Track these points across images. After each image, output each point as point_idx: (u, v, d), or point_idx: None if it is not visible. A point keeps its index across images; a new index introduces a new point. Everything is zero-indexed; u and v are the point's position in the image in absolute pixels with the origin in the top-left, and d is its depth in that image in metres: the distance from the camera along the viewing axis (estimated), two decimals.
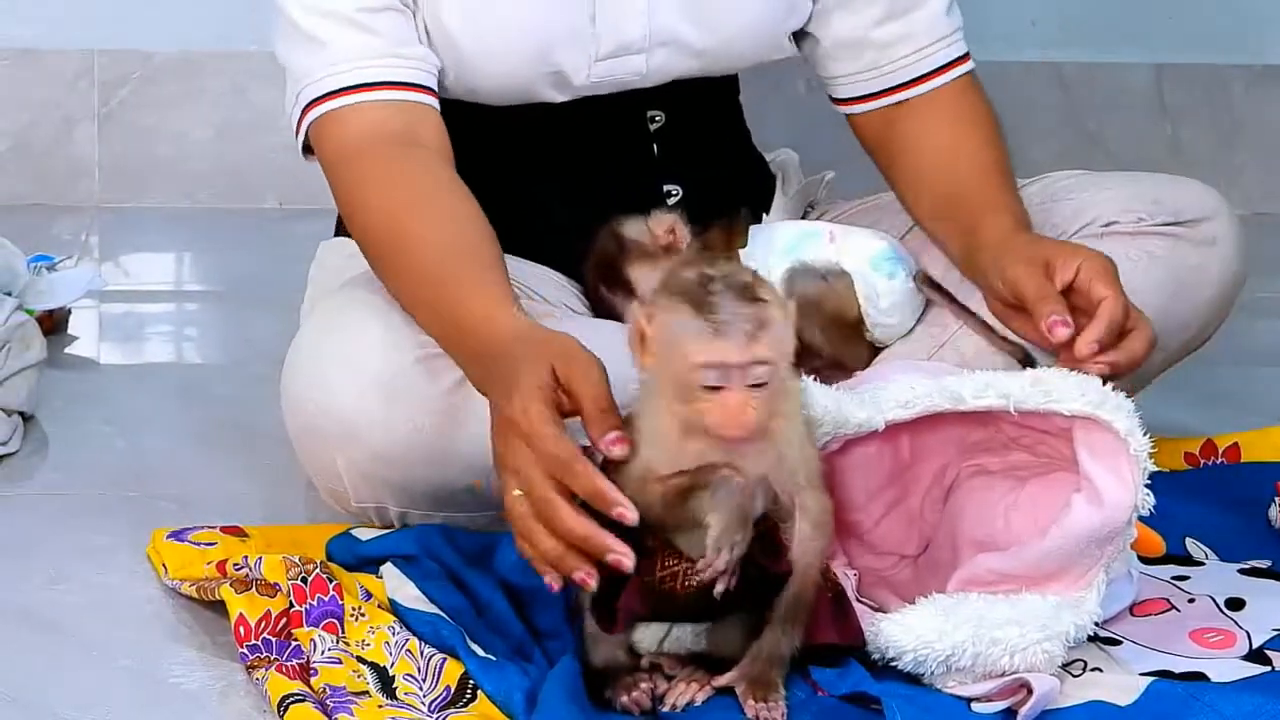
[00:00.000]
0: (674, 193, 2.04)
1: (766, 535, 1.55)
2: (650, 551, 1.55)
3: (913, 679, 1.59)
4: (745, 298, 1.51)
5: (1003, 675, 1.56)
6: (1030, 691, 1.54)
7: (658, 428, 1.54)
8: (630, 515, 1.52)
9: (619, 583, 1.54)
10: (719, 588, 1.52)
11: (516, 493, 1.56)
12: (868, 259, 1.94)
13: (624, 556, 1.51)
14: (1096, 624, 1.63)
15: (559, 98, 1.97)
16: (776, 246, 1.95)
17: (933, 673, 1.57)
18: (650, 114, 2.03)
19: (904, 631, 1.57)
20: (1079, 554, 1.60)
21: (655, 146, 2.04)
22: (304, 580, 1.69)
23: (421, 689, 1.60)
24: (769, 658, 1.55)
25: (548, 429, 1.55)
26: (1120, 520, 1.59)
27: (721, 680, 1.57)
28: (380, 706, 1.57)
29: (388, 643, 1.64)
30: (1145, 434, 1.60)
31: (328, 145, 1.88)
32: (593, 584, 1.52)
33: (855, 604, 1.65)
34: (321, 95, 1.87)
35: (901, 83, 2.02)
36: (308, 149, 1.92)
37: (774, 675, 1.55)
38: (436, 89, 1.91)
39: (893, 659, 1.57)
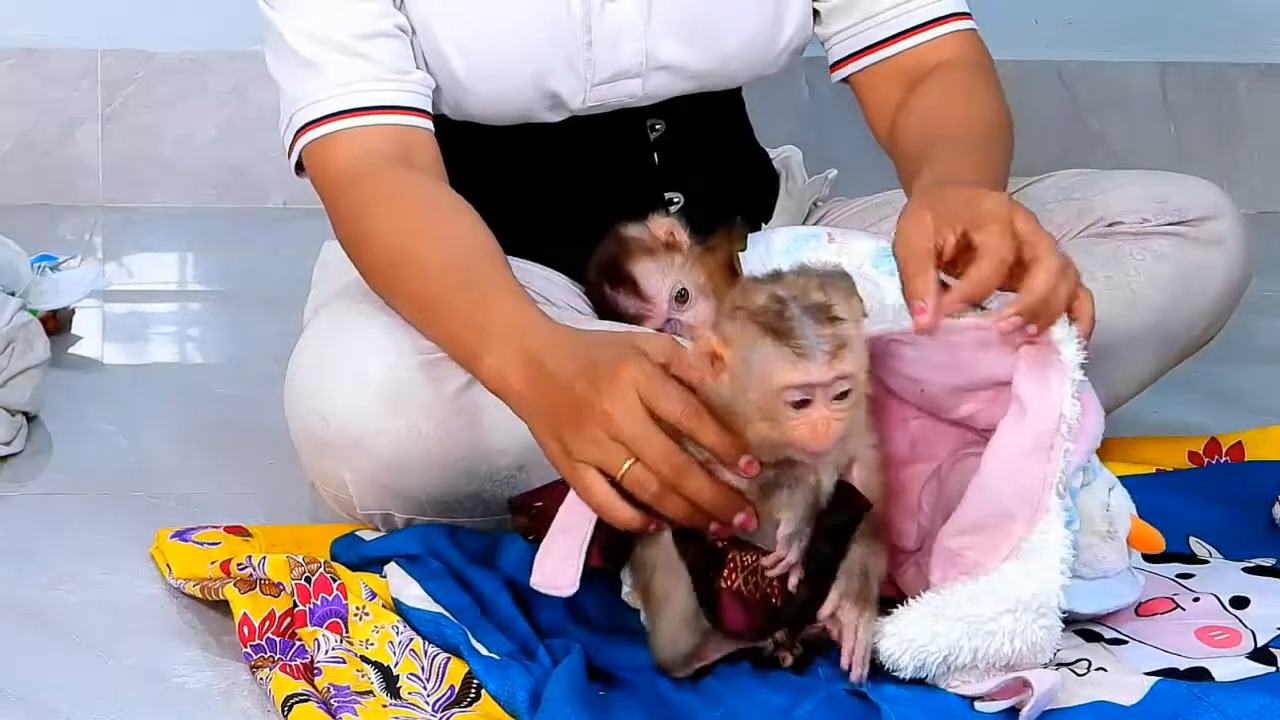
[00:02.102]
0: (675, 200, 2.04)
1: (839, 489, 1.59)
2: (721, 554, 1.58)
3: (918, 680, 1.59)
4: (822, 319, 1.53)
5: (1008, 666, 1.55)
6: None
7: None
8: (755, 467, 1.54)
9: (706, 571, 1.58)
10: (792, 580, 1.56)
11: (629, 463, 1.54)
12: (869, 257, 1.95)
13: (752, 516, 1.55)
14: (1099, 618, 1.62)
15: (555, 119, 1.97)
16: (775, 249, 1.96)
17: (935, 674, 1.57)
18: (650, 122, 2.03)
19: (897, 641, 1.56)
20: (1021, 478, 1.57)
21: (656, 155, 2.04)
22: (308, 580, 1.69)
23: (425, 688, 1.60)
24: (863, 571, 1.58)
25: (670, 386, 1.55)
26: (1048, 428, 1.56)
27: (825, 610, 1.57)
28: (384, 706, 1.57)
29: (391, 642, 1.64)
30: (1082, 350, 1.56)
31: (324, 170, 1.87)
32: (753, 522, 1.55)
33: None
34: (316, 119, 1.86)
35: (895, 33, 1.99)
36: (300, 167, 1.91)
37: (871, 588, 1.58)
38: (431, 110, 1.90)
39: (893, 670, 1.57)
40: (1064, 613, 1.57)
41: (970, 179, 1.72)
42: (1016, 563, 1.57)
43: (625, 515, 1.55)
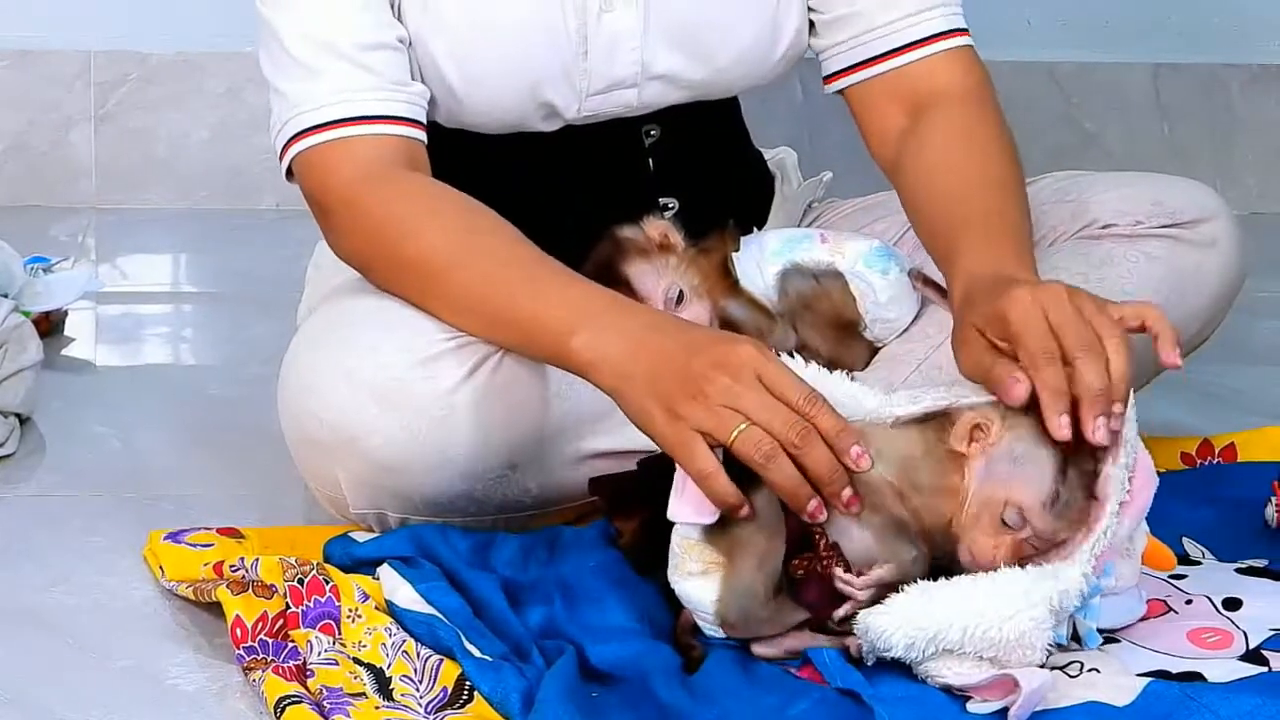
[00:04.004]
0: (670, 205, 2.04)
1: None
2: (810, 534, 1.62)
3: (908, 673, 1.59)
4: (1089, 493, 1.59)
5: (996, 659, 1.56)
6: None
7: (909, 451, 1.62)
8: (866, 461, 1.58)
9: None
10: (841, 611, 1.60)
11: (742, 427, 1.57)
12: (861, 257, 1.95)
13: (856, 500, 1.59)
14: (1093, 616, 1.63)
15: (549, 128, 1.97)
16: (768, 249, 1.96)
17: (924, 654, 1.57)
18: (645, 128, 2.02)
19: (889, 619, 1.58)
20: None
21: (651, 161, 2.04)
22: (301, 582, 1.69)
23: (418, 690, 1.60)
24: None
25: (786, 371, 1.60)
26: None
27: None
28: (377, 708, 1.57)
29: (384, 644, 1.64)
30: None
31: (330, 175, 1.84)
32: (824, 516, 1.58)
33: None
34: (317, 125, 1.84)
35: (890, 49, 1.97)
36: (290, 172, 1.89)
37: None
38: (426, 123, 1.90)
39: (884, 649, 1.58)
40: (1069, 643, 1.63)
41: (1001, 263, 1.74)
42: (1022, 572, 1.59)
43: (723, 485, 1.58)
